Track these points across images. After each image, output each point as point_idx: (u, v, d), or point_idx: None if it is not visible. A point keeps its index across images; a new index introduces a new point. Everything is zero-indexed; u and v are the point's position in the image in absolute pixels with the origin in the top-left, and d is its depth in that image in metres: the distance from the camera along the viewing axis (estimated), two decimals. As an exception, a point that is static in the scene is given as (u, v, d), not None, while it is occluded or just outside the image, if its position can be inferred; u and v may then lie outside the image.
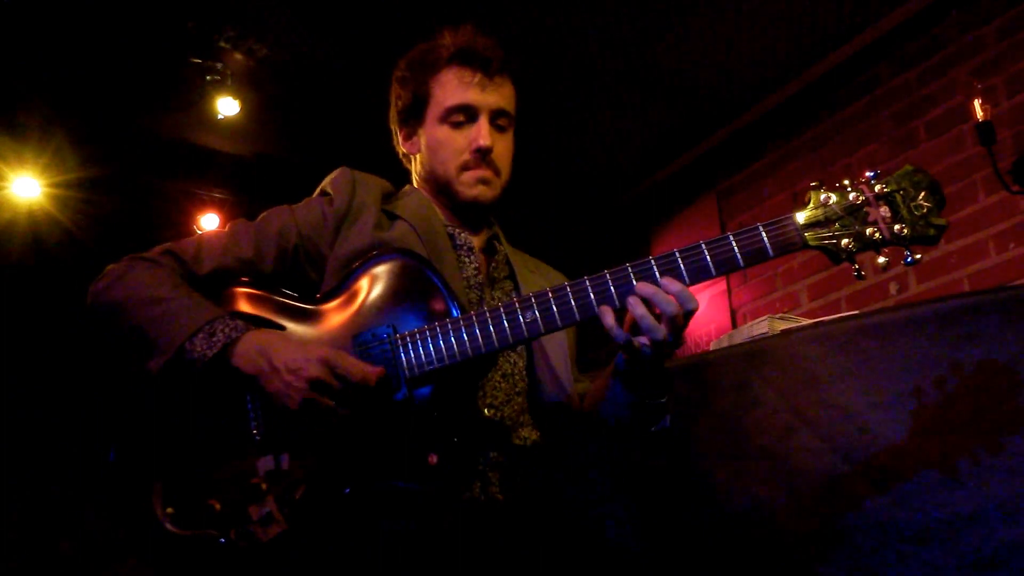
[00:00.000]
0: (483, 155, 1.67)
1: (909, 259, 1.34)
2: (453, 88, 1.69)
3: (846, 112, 4.20)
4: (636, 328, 1.39)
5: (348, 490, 1.40)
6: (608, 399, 1.57)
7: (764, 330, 2.19)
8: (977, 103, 2.96)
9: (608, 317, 1.38)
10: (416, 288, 1.50)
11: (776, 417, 1.82)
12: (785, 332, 2.00)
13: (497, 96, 1.70)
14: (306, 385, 1.37)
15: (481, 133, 1.67)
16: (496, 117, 1.70)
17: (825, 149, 4.29)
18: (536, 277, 1.77)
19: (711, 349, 2.30)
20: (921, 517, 1.64)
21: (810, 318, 2.31)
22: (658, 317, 1.36)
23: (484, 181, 1.69)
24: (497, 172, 1.71)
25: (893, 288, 3.85)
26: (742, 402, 1.88)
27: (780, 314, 2.31)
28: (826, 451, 1.76)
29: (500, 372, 1.60)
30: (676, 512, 1.97)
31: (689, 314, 1.36)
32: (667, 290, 1.35)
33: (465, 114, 1.68)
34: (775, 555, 1.80)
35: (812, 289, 4.28)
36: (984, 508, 1.59)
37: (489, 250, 1.75)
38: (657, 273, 1.37)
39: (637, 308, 1.36)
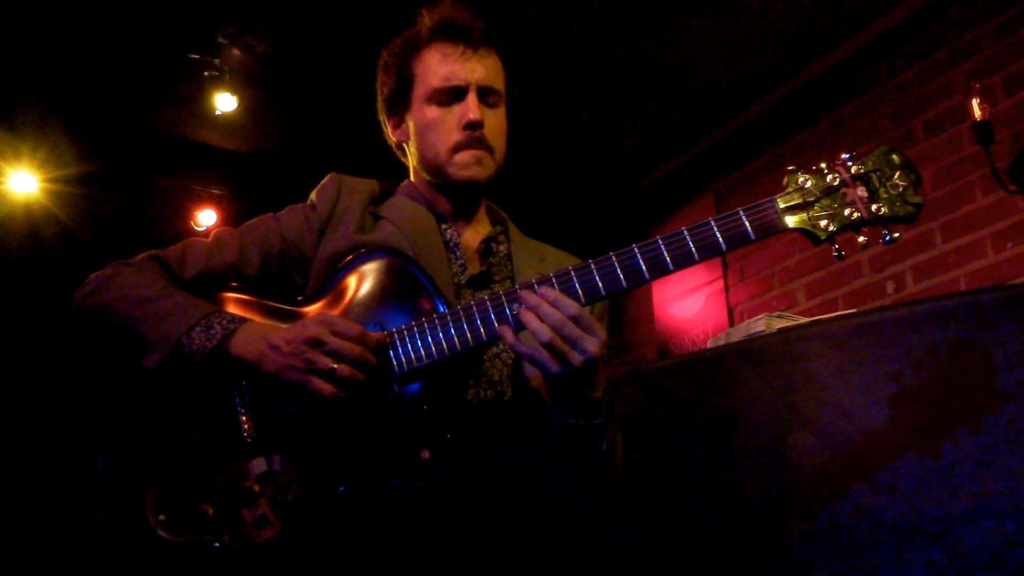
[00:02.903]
0: (473, 129, 1.60)
1: (887, 238, 1.35)
2: (436, 64, 1.62)
3: (844, 111, 4.20)
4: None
5: (341, 489, 1.39)
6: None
7: (761, 328, 2.19)
8: (975, 102, 2.95)
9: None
10: (401, 286, 1.48)
11: (773, 415, 1.83)
12: (782, 330, 2.01)
13: (482, 68, 1.62)
14: (306, 347, 1.35)
15: (470, 107, 1.59)
16: (485, 94, 1.63)
17: (823, 148, 4.28)
18: (544, 268, 1.67)
19: (708, 347, 2.30)
20: (918, 515, 1.64)
21: (807, 316, 2.32)
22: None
23: (477, 160, 1.61)
24: (490, 150, 1.62)
25: (890, 287, 3.85)
26: (739, 400, 1.88)
27: (777, 312, 2.31)
28: (823, 449, 1.76)
29: (487, 378, 1.57)
30: (676, 512, 1.97)
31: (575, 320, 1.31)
32: (547, 299, 1.32)
33: (452, 90, 1.61)
34: (773, 554, 1.81)
35: (809, 287, 4.28)
36: (979, 506, 1.59)
37: (485, 252, 1.67)
38: (641, 261, 1.36)
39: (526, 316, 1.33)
